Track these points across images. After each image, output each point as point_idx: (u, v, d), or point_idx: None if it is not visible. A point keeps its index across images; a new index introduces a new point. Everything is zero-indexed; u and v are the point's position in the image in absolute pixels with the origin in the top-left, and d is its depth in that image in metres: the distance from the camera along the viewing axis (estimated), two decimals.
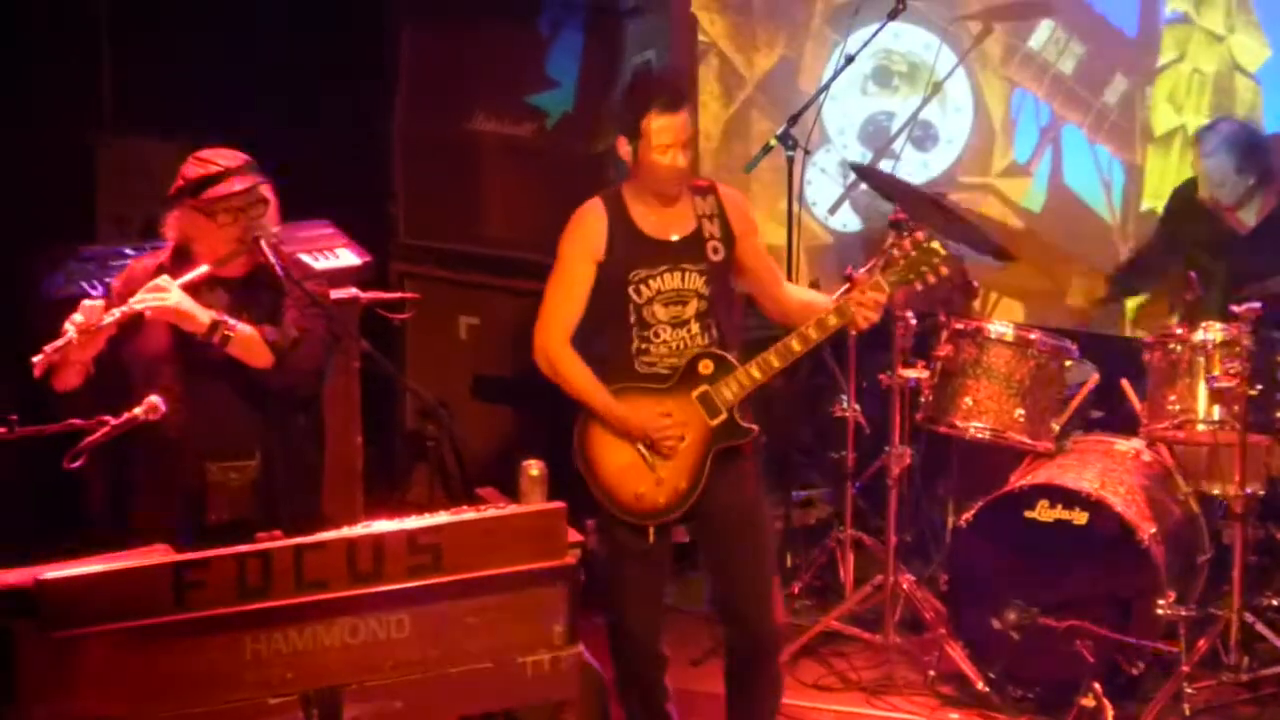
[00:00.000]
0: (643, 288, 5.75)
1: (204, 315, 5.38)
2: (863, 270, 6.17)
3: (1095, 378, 7.20)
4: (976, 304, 7.57)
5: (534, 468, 5.14)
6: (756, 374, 5.76)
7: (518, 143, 8.30)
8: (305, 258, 6.45)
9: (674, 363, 5.77)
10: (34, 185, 7.98)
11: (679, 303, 5.77)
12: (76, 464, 5.16)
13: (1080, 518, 6.59)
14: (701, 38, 8.37)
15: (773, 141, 7.21)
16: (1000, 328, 7.00)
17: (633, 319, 5.76)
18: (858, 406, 7.36)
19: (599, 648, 5.61)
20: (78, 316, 5.33)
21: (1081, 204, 7.98)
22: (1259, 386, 6.57)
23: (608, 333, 5.79)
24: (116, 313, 5.37)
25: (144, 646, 4.57)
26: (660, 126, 5.67)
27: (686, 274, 5.78)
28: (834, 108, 8.12)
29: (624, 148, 5.76)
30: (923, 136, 8.10)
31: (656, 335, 5.77)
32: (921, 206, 6.99)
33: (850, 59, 7.42)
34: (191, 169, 5.50)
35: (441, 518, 4.89)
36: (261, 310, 5.52)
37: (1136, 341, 7.14)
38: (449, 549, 4.81)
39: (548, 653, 4.92)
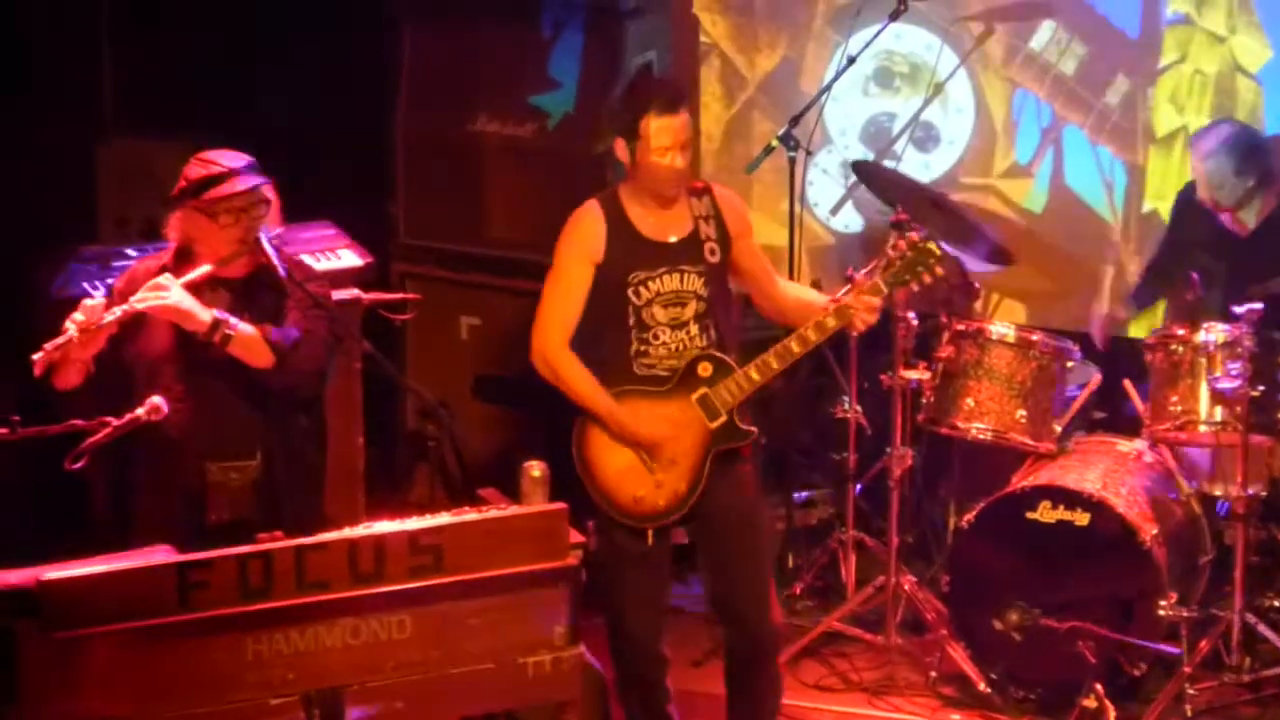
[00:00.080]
0: (642, 290, 5.75)
1: (204, 314, 5.38)
2: (864, 271, 6.17)
3: (1097, 379, 7.20)
4: (978, 305, 7.57)
5: (535, 469, 5.14)
6: (755, 376, 5.75)
7: (519, 143, 8.30)
8: (307, 259, 6.45)
9: (673, 364, 5.77)
10: (35, 185, 7.98)
11: (678, 304, 5.77)
12: (78, 465, 5.16)
13: (1082, 519, 6.59)
14: (703, 38, 8.37)
15: (774, 142, 7.21)
16: (1002, 329, 6.99)
17: (631, 321, 5.76)
18: (859, 407, 7.36)
19: (600, 648, 5.61)
20: (78, 315, 5.34)
21: (1083, 205, 7.98)
22: (1261, 387, 6.57)
23: (606, 335, 5.78)
24: (117, 311, 5.37)
25: (146, 647, 4.57)
26: (659, 128, 5.66)
27: (685, 275, 5.77)
28: (835, 109, 8.12)
29: (621, 150, 5.75)
30: (924, 137, 8.09)
31: (656, 337, 5.77)
32: (923, 206, 6.99)
33: (852, 60, 7.42)
34: (194, 170, 5.50)
35: (443, 518, 4.89)
36: (263, 311, 5.52)
37: (1138, 342, 7.13)
38: (450, 550, 4.81)
39: (549, 654, 4.92)
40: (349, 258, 7.24)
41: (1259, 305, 6.57)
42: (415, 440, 8.43)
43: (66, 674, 4.51)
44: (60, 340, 5.30)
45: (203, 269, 5.48)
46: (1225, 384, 6.61)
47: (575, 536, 4.98)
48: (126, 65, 8.56)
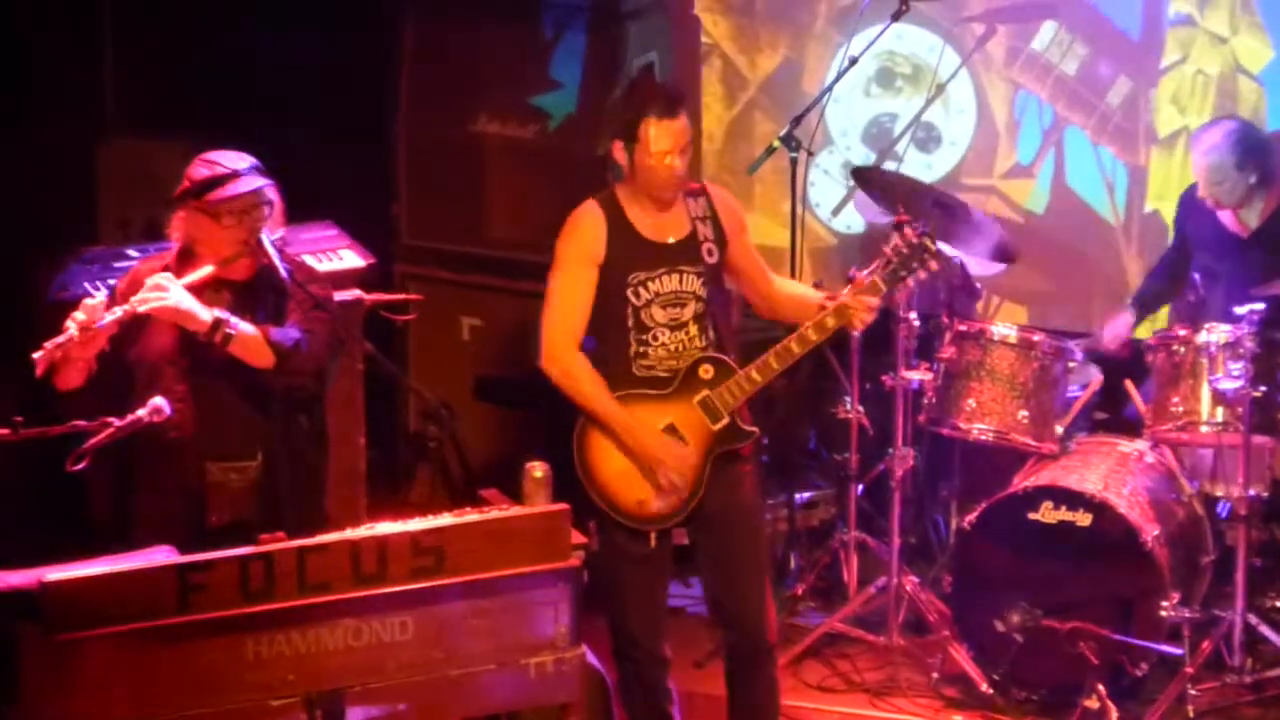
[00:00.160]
0: (641, 290, 5.74)
1: (205, 314, 5.37)
2: (865, 272, 6.17)
3: (1099, 379, 7.19)
4: (980, 306, 7.57)
5: (537, 469, 5.13)
6: (757, 377, 5.75)
7: (521, 144, 8.30)
8: (309, 259, 6.45)
9: (673, 365, 5.76)
10: (36, 186, 7.98)
11: (677, 305, 5.76)
12: (80, 466, 5.15)
13: (1084, 519, 6.59)
14: (704, 39, 8.37)
15: (776, 143, 7.19)
16: (1003, 329, 6.99)
17: (631, 322, 5.74)
18: (861, 408, 7.36)
19: (602, 649, 5.61)
20: (79, 314, 5.33)
21: (1085, 206, 7.98)
22: (1263, 388, 6.57)
23: (605, 337, 5.76)
24: (118, 311, 5.36)
25: (147, 648, 4.56)
26: (658, 132, 5.64)
27: (684, 276, 5.77)
28: (837, 109, 8.13)
29: (620, 152, 5.73)
30: (926, 138, 8.09)
31: (655, 338, 5.76)
32: (925, 207, 6.98)
33: (853, 60, 7.41)
34: (197, 170, 5.49)
35: (445, 519, 4.89)
36: (265, 313, 5.51)
37: (1140, 343, 7.13)
38: (452, 551, 4.80)
39: (551, 655, 4.91)
40: (351, 258, 7.23)
41: (1260, 306, 6.56)
42: (417, 441, 8.43)
43: (68, 675, 4.51)
44: (60, 339, 5.29)
45: (205, 270, 5.48)
46: (1227, 384, 6.61)
47: (577, 537, 4.98)
48: (126, 65, 8.57)
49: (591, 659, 5.12)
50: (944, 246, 6.99)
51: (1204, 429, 6.75)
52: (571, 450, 5.77)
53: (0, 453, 5.05)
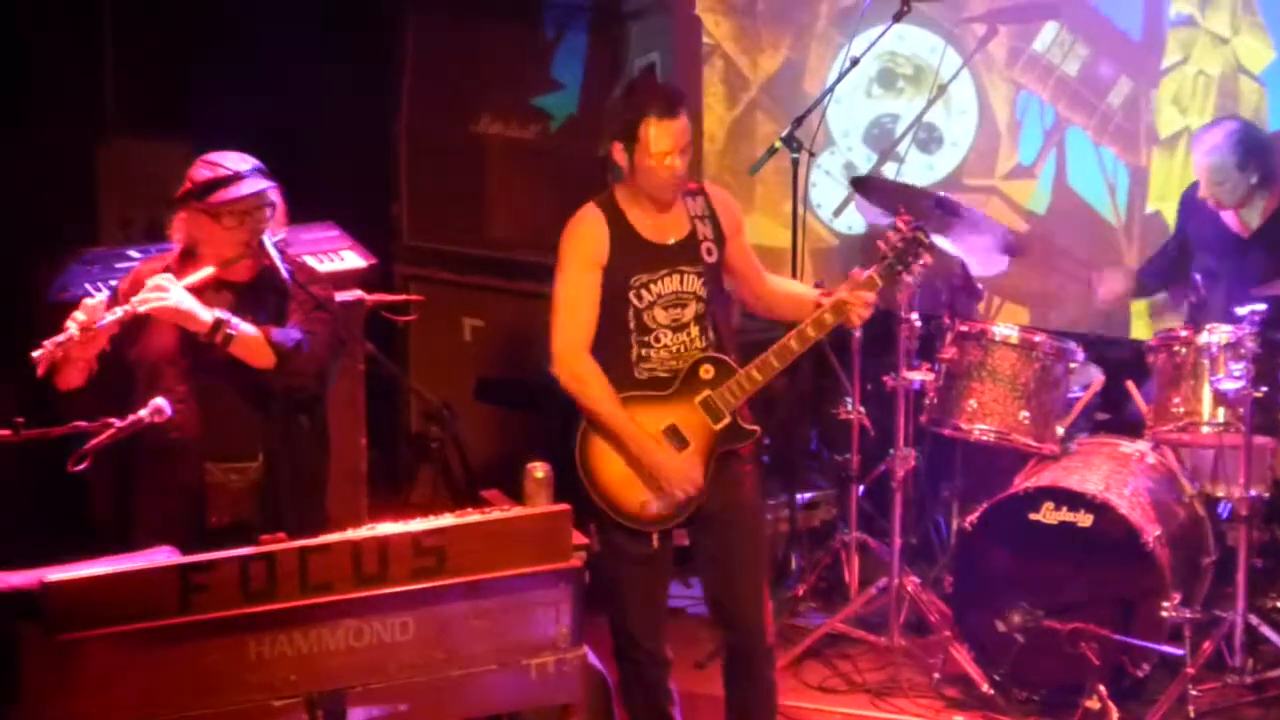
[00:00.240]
0: (644, 292, 5.73)
1: (206, 314, 5.37)
2: (866, 272, 6.17)
3: (1100, 380, 7.19)
4: (981, 306, 7.57)
5: (539, 470, 5.13)
6: (757, 376, 5.75)
7: (522, 145, 8.30)
8: (310, 260, 6.45)
9: (674, 365, 5.75)
10: (36, 186, 7.97)
11: (678, 305, 5.76)
12: (81, 466, 5.15)
13: (1085, 520, 6.59)
14: (706, 39, 8.36)
15: (777, 144, 7.20)
16: (1005, 330, 6.99)
17: (632, 324, 5.74)
18: (862, 409, 7.36)
19: (603, 649, 5.60)
20: (79, 314, 5.33)
21: (1086, 206, 7.97)
22: (1264, 389, 6.57)
23: (607, 340, 5.75)
24: (119, 311, 5.36)
25: (148, 649, 4.56)
26: (657, 133, 5.64)
27: (685, 276, 5.76)
28: (838, 110, 8.12)
29: (619, 153, 5.73)
30: (927, 139, 8.09)
31: (657, 340, 5.75)
32: (926, 208, 6.98)
33: (855, 61, 7.41)
34: (199, 172, 5.49)
35: (446, 520, 4.89)
36: (267, 314, 5.51)
37: (1142, 344, 7.13)
38: (453, 551, 4.80)
39: (552, 655, 4.91)
40: (352, 259, 7.24)
41: (1262, 306, 6.56)
42: (418, 441, 8.43)
43: (69, 676, 4.51)
44: (61, 338, 5.29)
45: (206, 271, 5.48)
46: (1228, 385, 6.61)
47: (578, 538, 4.98)
48: (126, 65, 8.56)
49: (593, 660, 5.12)
50: (947, 246, 7.02)
51: (1205, 429, 6.75)
52: (573, 451, 5.78)
53: (1, 453, 5.05)
